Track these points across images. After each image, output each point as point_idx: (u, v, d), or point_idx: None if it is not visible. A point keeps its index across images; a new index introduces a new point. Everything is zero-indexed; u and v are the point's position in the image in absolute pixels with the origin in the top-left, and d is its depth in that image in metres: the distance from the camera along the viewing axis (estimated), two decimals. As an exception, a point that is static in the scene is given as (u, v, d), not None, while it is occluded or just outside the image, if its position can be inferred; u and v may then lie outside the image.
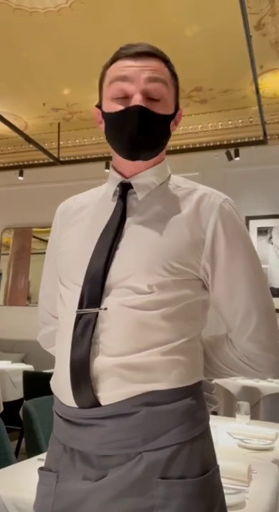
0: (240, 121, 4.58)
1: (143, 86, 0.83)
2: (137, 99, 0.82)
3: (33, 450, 1.82)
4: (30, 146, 4.54)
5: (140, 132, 0.82)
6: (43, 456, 1.50)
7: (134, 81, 0.83)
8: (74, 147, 5.13)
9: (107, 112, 0.86)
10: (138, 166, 0.88)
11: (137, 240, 0.83)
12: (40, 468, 0.88)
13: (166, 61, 0.87)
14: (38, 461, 1.43)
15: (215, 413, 3.49)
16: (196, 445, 0.79)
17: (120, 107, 0.84)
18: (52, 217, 1.01)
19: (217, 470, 0.83)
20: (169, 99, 0.87)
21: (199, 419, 0.81)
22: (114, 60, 0.87)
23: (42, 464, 0.89)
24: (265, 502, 1.24)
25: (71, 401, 0.80)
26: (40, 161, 5.24)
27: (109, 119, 0.86)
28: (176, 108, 0.90)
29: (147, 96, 0.83)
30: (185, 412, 0.79)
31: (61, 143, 4.85)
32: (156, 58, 0.86)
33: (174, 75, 0.89)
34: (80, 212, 0.94)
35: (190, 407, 0.80)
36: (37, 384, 3.19)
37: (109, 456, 0.78)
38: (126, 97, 0.84)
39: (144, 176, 0.88)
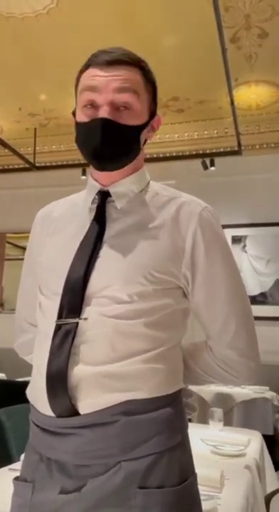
0: (215, 131, 4.65)
1: (111, 97, 0.81)
2: (103, 111, 0.81)
3: (4, 460, 1.78)
4: (6, 150, 4.49)
5: (103, 144, 0.81)
6: (15, 466, 1.48)
7: (102, 92, 0.82)
8: (50, 153, 5.10)
9: (77, 121, 0.86)
10: (113, 175, 0.87)
11: (116, 250, 0.82)
12: (16, 479, 0.86)
13: (140, 67, 0.85)
14: (9, 471, 1.40)
15: (189, 420, 3.50)
16: (174, 454, 0.79)
17: (87, 118, 0.83)
18: (27, 223, 0.99)
19: (195, 478, 0.83)
20: (140, 108, 0.84)
21: (178, 428, 0.81)
22: (87, 66, 0.85)
23: (13, 474, 0.88)
24: (237, 507, 1.26)
25: (48, 410, 0.78)
26: (16, 166, 5.18)
27: (77, 129, 0.86)
28: (153, 114, 0.88)
29: (116, 106, 0.82)
30: (164, 420, 0.79)
31: (37, 148, 4.81)
32: (128, 66, 0.83)
33: (149, 81, 0.87)
34: (60, 220, 0.93)
35: (169, 415, 0.79)
36: (9, 393, 3.13)
37: (87, 466, 0.77)
38: (96, 107, 0.83)
39: (123, 184, 0.88)
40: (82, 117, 0.84)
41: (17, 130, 4.74)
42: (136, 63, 0.85)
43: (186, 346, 0.92)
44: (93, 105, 0.83)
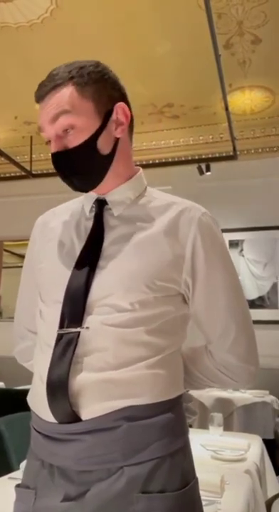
0: (210, 136, 4.68)
1: (51, 131, 0.83)
2: (52, 147, 0.84)
3: (4, 469, 1.77)
4: (2, 159, 4.50)
5: (66, 177, 0.85)
6: (14, 474, 1.47)
7: (44, 129, 0.85)
8: (46, 160, 5.10)
9: None
10: (104, 186, 0.87)
11: (116, 258, 0.82)
12: (17, 486, 0.86)
13: (71, 78, 0.82)
14: (8, 480, 1.39)
15: (190, 426, 3.49)
16: (176, 459, 0.79)
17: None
18: (24, 231, 0.99)
19: (196, 482, 0.83)
20: (81, 122, 0.82)
21: (179, 433, 0.82)
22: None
23: (13, 482, 0.88)
24: (238, 512, 1.25)
25: (50, 416, 0.79)
26: (13, 174, 5.19)
27: None
28: (110, 112, 0.84)
29: (59, 135, 0.83)
30: (165, 426, 0.79)
31: (33, 156, 4.82)
32: (57, 88, 0.82)
33: (87, 85, 0.82)
34: (60, 227, 0.93)
35: (170, 420, 0.80)
36: (8, 401, 3.11)
37: (90, 472, 0.77)
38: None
39: (119, 191, 0.88)
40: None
41: (13, 138, 4.75)
42: (64, 80, 0.82)
43: (185, 351, 0.93)
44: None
